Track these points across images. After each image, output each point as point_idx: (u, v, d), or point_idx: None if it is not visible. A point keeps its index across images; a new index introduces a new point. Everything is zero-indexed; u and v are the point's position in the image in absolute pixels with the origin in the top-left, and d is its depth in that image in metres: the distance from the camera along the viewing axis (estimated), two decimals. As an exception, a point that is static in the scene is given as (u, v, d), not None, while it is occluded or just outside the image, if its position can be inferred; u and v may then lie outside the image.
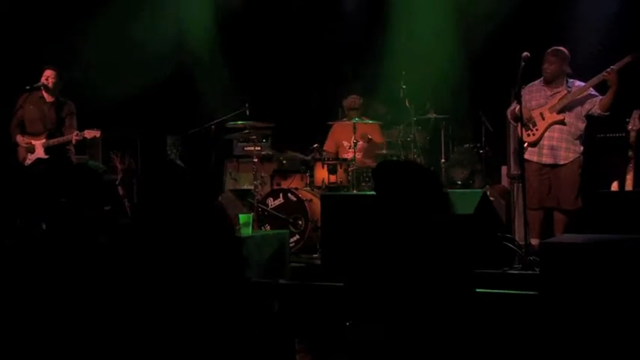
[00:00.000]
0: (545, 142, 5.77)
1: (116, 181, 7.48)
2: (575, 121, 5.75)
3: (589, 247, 3.56)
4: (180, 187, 3.23)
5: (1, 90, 6.86)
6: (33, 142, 6.36)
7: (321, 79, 8.35)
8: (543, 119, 5.79)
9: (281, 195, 6.69)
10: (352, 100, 7.40)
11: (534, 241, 5.54)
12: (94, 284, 3.12)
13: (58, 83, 6.41)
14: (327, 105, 8.00)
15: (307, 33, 8.41)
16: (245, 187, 7.67)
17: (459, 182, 7.44)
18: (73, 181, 3.71)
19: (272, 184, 7.28)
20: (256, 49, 8.52)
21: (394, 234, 2.97)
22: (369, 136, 7.13)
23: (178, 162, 3.39)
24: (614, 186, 5.57)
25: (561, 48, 5.80)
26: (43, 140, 6.34)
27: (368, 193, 6.39)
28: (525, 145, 5.67)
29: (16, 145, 6.43)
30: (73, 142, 6.31)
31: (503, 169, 7.20)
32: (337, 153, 7.46)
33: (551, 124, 5.76)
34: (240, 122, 7.08)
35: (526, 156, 5.66)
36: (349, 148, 7.17)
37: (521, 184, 5.50)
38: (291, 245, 6.23)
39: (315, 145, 7.30)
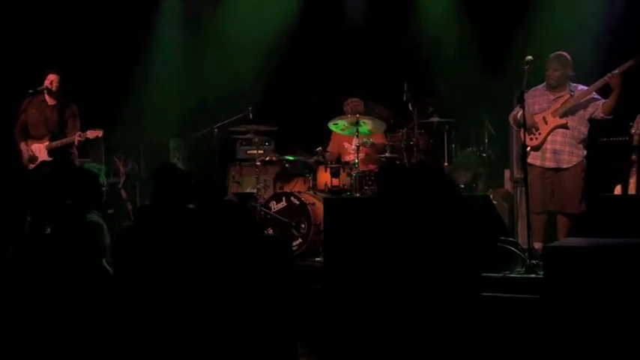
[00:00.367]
0: (548, 146, 5.77)
1: (119, 184, 7.51)
2: (578, 125, 5.75)
3: (592, 251, 3.55)
4: (183, 190, 3.24)
5: (5, 93, 6.89)
6: (36, 146, 6.39)
7: (323, 81, 8.34)
8: (546, 123, 5.78)
9: (284, 198, 6.69)
10: (354, 104, 7.36)
11: (537, 245, 5.52)
12: (102, 286, 3.13)
13: (60, 88, 6.46)
14: (330, 108, 7.99)
15: (309, 35, 8.42)
16: (248, 190, 7.67)
17: (462, 186, 7.43)
18: (72, 183, 3.72)
19: (275, 188, 7.28)
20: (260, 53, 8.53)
21: (398, 236, 2.97)
22: (371, 140, 7.12)
23: (180, 165, 3.40)
24: (618, 190, 5.57)
25: (564, 53, 5.80)
26: (47, 143, 6.37)
27: (370, 196, 6.39)
28: (528, 149, 5.66)
29: (20, 151, 6.47)
30: (76, 143, 6.34)
31: (507, 172, 7.20)
32: (340, 156, 7.45)
33: (554, 128, 5.76)
34: (243, 126, 7.09)
35: (529, 160, 5.66)
36: (352, 151, 7.16)
37: (524, 188, 5.49)
38: (293, 249, 6.23)
39: (319, 149, 7.31)
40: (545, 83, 5.89)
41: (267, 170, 7.48)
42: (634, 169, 5.43)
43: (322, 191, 6.86)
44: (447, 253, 2.91)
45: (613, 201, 5.22)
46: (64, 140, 6.36)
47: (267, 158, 7.43)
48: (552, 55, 5.81)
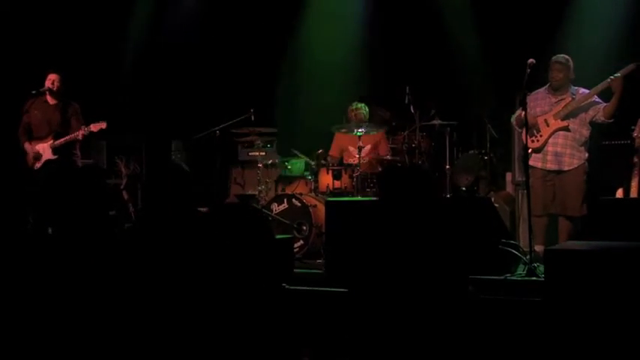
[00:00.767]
0: (549, 148, 5.78)
1: (121, 185, 7.51)
2: (580, 128, 5.76)
3: (594, 254, 3.55)
4: (186, 191, 3.23)
5: (8, 94, 6.91)
6: (40, 146, 6.40)
7: (325, 83, 8.35)
8: (548, 126, 5.79)
9: (285, 200, 6.69)
10: (357, 111, 7.31)
11: (539, 248, 5.53)
12: (103, 287, 3.13)
13: (61, 87, 6.47)
14: (331, 110, 8.00)
15: (310, 35, 8.43)
16: (250, 192, 7.68)
17: (464, 188, 7.43)
18: (72, 184, 3.71)
19: (276, 190, 7.29)
20: (261, 53, 8.54)
21: (396, 237, 2.98)
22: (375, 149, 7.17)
23: (184, 166, 3.40)
24: (619, 193, 5.57)
25: (566, 56, 5.82)
26: (51, 142, 6.38)
27: (372, 198, 6.39)
28: (529, 150, 5.67)
29: (25, 151, 6.49)
30: (80, 138, 6.35)
31: (508, 175, 7.20)
32: (342, 158, 7.46)
33: (556, 131, 5.77)
34: (244, 128, 7.10)
35: (530, 162, 5.67)
36: (355, 154, 7.16)
37: (525, 191, 5.49)
38: (295, 251, 6.23)
39: (320, 151, 7.31)
40: (547, 86, 5.90)
41: (269, 172, 7.49)
42: (636, 172, 5.44)
43: (324, 193, 6.86)
44: (434, 254, 2.93)
45: (614, 204, 5.22)
46: (68, 137, 6.37)
47: (270, 161, 7.45)
48: (555, 57, 5.83)
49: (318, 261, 6.26)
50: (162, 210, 3.30)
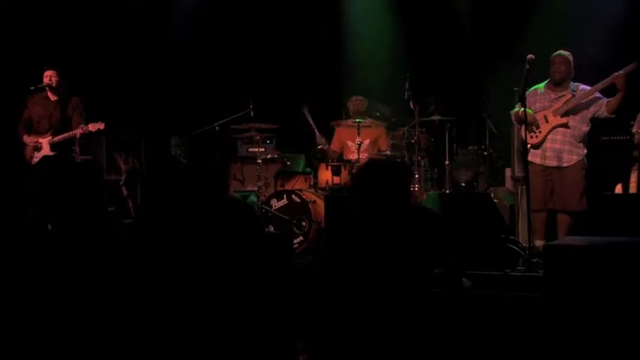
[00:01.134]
0: (548, 144, 5.77)
1: (120, 181, 7.51)
2: (579, 125, 5.75)
3: (593, 250, 3.55)
4: (185, 185, 3.23)
5: (7, 90, 6.90)
6: (40, 140, 6.40)
7: (325, 79, 8.35)
8: (547, 122, 5.78)
9: (285, 196, 6.69)
10: (357, 102, 7.36)
11: (538, 243, 5.53)
12: (102, 283, 3.13)
13: (60, 81, 6.46)
14: (331, 105, 7.99)
15: (310, 32, 8.42)
16: (249, 188, 7.68)
17: (463, 184, 7.44)
18: (70, 181, 3.72)
19: (276, 186, 7.28)
20: (260, 50, 8.54)
21: (367, 223, 3.05)
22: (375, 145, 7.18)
23: (183, 162, 3.40)
24: (618, 188, 5.57)
25: (567, 52, 5.81)
26: (50, 137, 6.38)
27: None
28: (528, 146, 5.66)
29: (24, 145, 6.47)
30: (78, 136, 6.34)
31: (507, 171, 7.20)
32: (342, 154, 7.45)
33: (555, 127, 5.76)
34: (244, 123, 7.09)
35: (530, 158, 5.66)
36: (354, 149, 7.16)
37: (524, 186, 5.50)
38: (294, 246, 6.23)
39: (319, 147, 7.31)
40: (547, 82, 5.89)
41: (269, 168, 7.48)
42: (635, 167, 5.45)
43: (323, 189, 6.86)
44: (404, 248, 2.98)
45: (614, 200, 5.23)
46: (66, 134, 6.36)
47: (269, 156, 7.45)
48: (556, 52, 5.81)
49: (318, 256, 6.27)
50: (162, 206, 3.30)
